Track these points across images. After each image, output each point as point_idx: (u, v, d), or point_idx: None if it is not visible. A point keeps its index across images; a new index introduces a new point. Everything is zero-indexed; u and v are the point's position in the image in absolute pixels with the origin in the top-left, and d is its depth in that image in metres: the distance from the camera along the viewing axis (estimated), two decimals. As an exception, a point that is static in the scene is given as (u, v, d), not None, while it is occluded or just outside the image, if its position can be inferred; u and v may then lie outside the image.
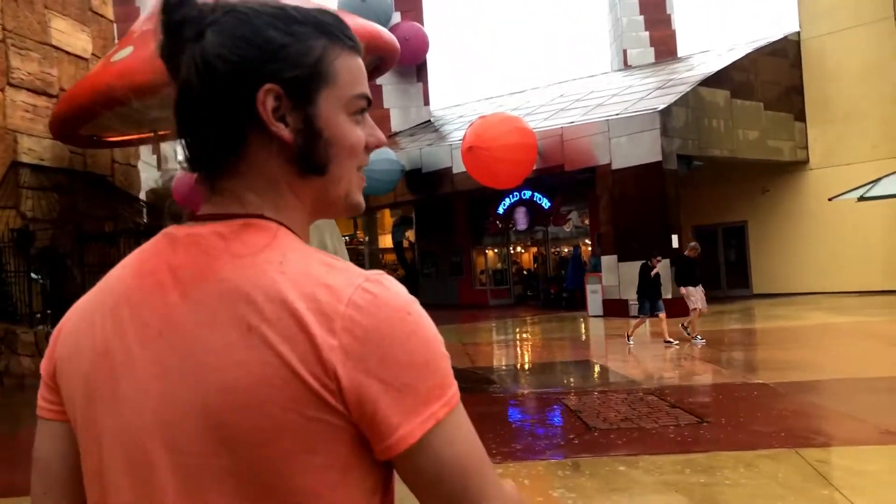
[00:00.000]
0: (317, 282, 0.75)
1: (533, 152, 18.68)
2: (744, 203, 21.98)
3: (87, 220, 13.58)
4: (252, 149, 0.82)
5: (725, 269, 22.71)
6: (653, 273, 12.21)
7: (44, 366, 0.90)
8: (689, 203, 18.64)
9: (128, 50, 11.16)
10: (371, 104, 0.87)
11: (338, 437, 0.74)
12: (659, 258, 12.48)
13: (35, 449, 0.90)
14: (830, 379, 8.17)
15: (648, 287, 12.40)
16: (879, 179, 15.76)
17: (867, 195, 15.35)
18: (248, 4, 0.82)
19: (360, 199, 0.89)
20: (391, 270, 31.15)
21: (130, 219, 14.85)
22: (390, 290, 0.76)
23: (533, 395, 8.53)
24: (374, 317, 0.74)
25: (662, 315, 12.19)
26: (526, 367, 11.12)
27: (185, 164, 0.85)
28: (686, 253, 12.81)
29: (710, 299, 21.96)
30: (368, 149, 0.88)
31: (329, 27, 0.84)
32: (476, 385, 8.92)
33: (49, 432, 0.89)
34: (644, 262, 12.62)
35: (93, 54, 14.56)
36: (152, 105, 9.05)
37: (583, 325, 16.81)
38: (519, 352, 12.95)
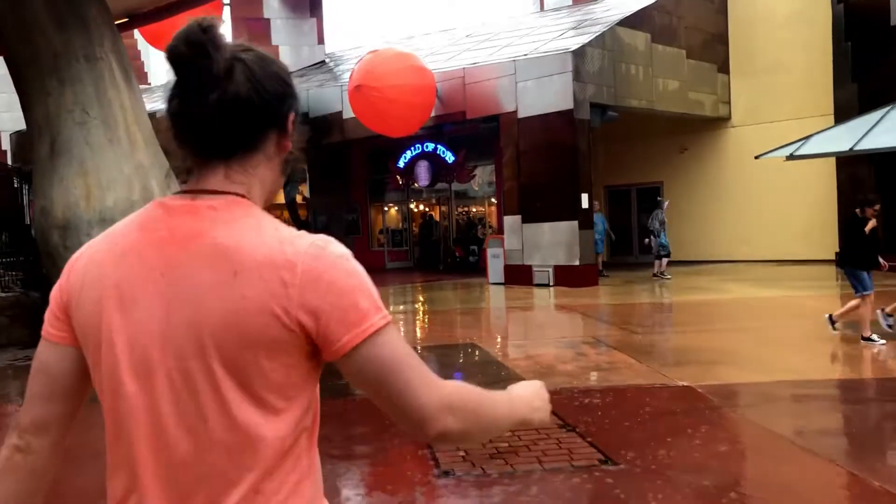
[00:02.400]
0: (282, 240, 1.06)
1: (429, 95, 16.33)
2: (660, 162, 20.29)
3: None
4: (262, 149, 1.15)
5: (637, 233, 21.06)
6: (868, 228, 7.80)
7: (54, 296, 1.16)
8: (599, 160, 16.70)
9: None
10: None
11: (293, 347, 1.04)
12: (877, 206, 7.97)
13: (38, 360, 1.16)
14: (775, 381, 6.27)
15: (861, 249, 7.89)
16: (810, 137, 14.16)
17: (797, 153, 13.74)
18: (253, 51, 1.16)
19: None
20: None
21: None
22: (333, 245, 1.08)
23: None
24: (323, 262, 1.05)
25: (868, 297, 7.78)
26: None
27: (201, 152, 1.13)
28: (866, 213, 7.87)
29: (622, 265, 20.62)
30: None
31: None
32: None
33: (55, 352, 1.15)
34: (853, 212, 8.21)
35: None
36: None
37: (480, 295, 14.74)
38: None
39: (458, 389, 1.08)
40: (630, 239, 21.12)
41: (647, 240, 17.09)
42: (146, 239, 1.08)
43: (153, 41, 17.51)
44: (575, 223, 14.86)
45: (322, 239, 1.08)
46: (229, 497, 1.03)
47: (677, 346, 8.38)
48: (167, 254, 1.06)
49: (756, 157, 15.40)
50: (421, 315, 12.34)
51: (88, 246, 1.15)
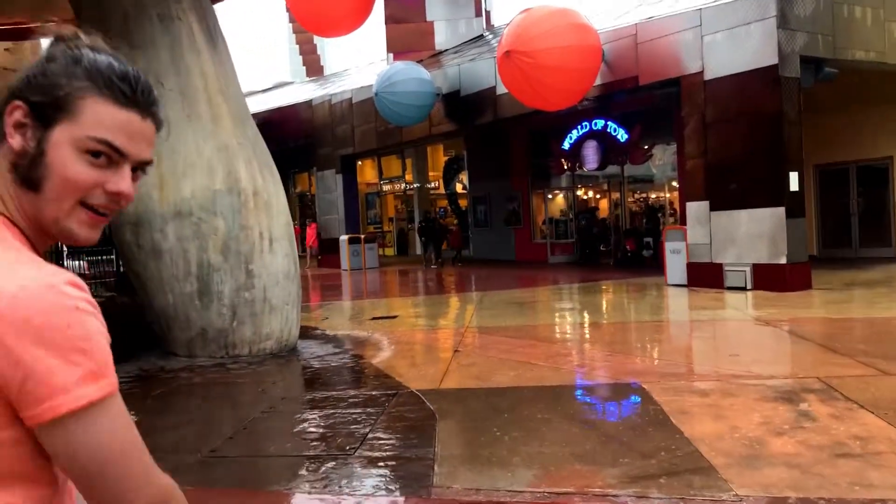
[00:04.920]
0: None
1: (593, 59, 13.66)
2: (888, 134, 16.26)
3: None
4: None
5: (859, 221, 17.10)
6: None
7: None
8: (808, 132, 13.21)
9: None
10: (123, 156, 0.96)
11: None
12: None
13: None
14: None
15: None
16: None
17: None
18: (79, 44, 0.97)
19: (76, 231, 0.97)
20: (441, 220, 26.77)
21: None
22: (58, 289, 0.85)
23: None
24: (33, 309, 0.82)
25: None
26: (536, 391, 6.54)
27: None
28: None
29: (838, 260, 16.63)
30: (107, 192, 0.96)
31: (102, 76, 0.95)
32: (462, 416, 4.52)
33: None
34: None
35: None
36: None
37: (654, 301, 11.94)
38: (542, 351, 8.29)
39: (172, 487, 0.93)
40: (848, 229, 17.20)
41: None
42: None
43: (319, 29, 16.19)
44: (781, 210, 11.65)
45: (45, 278, 0.86)
46: None
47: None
48: None
49: None
50: (569, 330, 9.82)
51: None
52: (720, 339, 8.51)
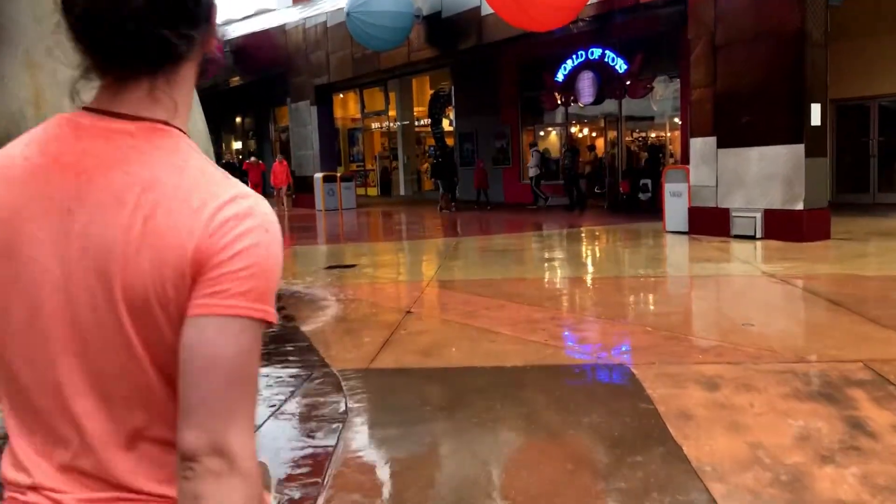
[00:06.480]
0: (206, 189, 0.87)
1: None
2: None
3: None
4: (190, 61, 0.93)
5: (878, 164, 15.53)
6: None
7: None
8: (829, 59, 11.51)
9: None
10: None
11: (185, 303, 0.85)
12: None
13: None
14: None
15: None
16: None
17: None
18: None
19: None
20: (428, 157, 25.03)
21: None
22: (260, 206, 0.89)
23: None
24: (243, 221, 0.86)
25: None
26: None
27: (117, 63, 0.88)
28: None
29: (853, 206, 14.97)
30: None
31: None
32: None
33: None
34: None
35: None
36: None
37: (650, 251, 10.47)
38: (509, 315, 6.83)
39: (255, 467, 0.86)
40: (866, 172, 15.62)
41: None
42: (49, 164, 0.89)
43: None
44: (799, 148, 10.09)
45: (250, 193, 0.90)
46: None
47: None
48: (73, 184, 0.87)
49: None
50: (546, 287, 8.38)
51: None
52: (728, 301, 7.05)
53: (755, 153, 10.58)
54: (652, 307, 6.88)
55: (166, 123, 0.91)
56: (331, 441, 3.57)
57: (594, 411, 3.90)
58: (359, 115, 27.18)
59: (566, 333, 5.82)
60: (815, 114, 10.11)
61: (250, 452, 0.85)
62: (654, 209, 14.36)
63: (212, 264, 0.83)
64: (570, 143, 19.63)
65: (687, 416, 3.70)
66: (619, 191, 17.59)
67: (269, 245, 0.87)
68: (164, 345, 0.86)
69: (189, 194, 0.85)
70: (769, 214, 10.43)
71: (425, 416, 3.94)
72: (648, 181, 16.73)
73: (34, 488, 0.90)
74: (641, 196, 16.85)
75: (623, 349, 5.24)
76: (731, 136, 10.86)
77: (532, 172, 18.38)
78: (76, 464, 0.89)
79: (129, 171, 0.86)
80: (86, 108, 0.91)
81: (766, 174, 10.45)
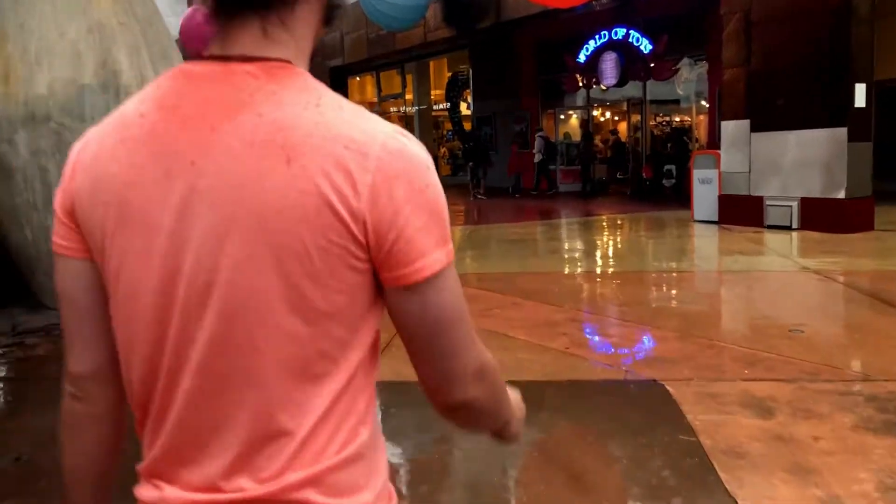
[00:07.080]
0: (352, 124, 0.77)
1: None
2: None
3: None
4: (306, 2, 0.84)
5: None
6: None
7: (59, 201, 0.87)
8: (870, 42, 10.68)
9: None
10: None
11: (353, 265, 0.77)
12: None
13: (57, 284, 0.89)
14: None
15: None
16: None
17: None
18: None
19: None
20: (446, 142, 24.42)
21: None
22: (415, 144, 0.80)
23: None
24: (403, 161, 0.77)
25: None
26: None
27: (228, 2, 0.81)
28: None
29: (884, 196, 13.94)
30: None
31: None
32: None
33: (68, 269, 0.87)
34: None
35: None
36: None
37: (676, 242, 9.79)
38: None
39: (492, 360, 0.87)
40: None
41: None
42: (169, 118, 0.80)
43: None
44: (842, 132, 9.34)
45: (403, 131, 0.81)
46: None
47: None
48: (198, 136, 0.78)
49: None
50: (566, 282, 7.75)
51: (95, 133, 0.86)
52: (769, 301, 6.36)
53: (792, 137, 9.83)
54: (684, 307, 6.22)
55: (287, 62, 0.81)
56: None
57: (625, 444, 3.27)
58: (375, 99, 26.54)
59: (589, 339, 5.18)
60: (860, 95, 9.35)
61: (488, 356, 0.86)
62: (679, 196, 13.64)
63: (386, 220, 0.75)
64: (584, 129, 18.93)
65: (738, 453, 3.06)
66: (643, 176, 16.84)
67: (436, 184, 0.79)
68: (309, 301, 0.77)
69: (331, 131, 0.76)
70: (806, 203, 9.69)
71: (425, 446, 3.34)
72: (673, 167, 15.98)
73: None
74: (665, 182, 16.11)
75: (655, 360, 4.60)
76: (766, 119, 10.11)
77: (536, 158, 17.91)
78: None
79: (260, 111, 0.77)
80: (197, 58, 0.83)
81: (804, 160, 9.71)
